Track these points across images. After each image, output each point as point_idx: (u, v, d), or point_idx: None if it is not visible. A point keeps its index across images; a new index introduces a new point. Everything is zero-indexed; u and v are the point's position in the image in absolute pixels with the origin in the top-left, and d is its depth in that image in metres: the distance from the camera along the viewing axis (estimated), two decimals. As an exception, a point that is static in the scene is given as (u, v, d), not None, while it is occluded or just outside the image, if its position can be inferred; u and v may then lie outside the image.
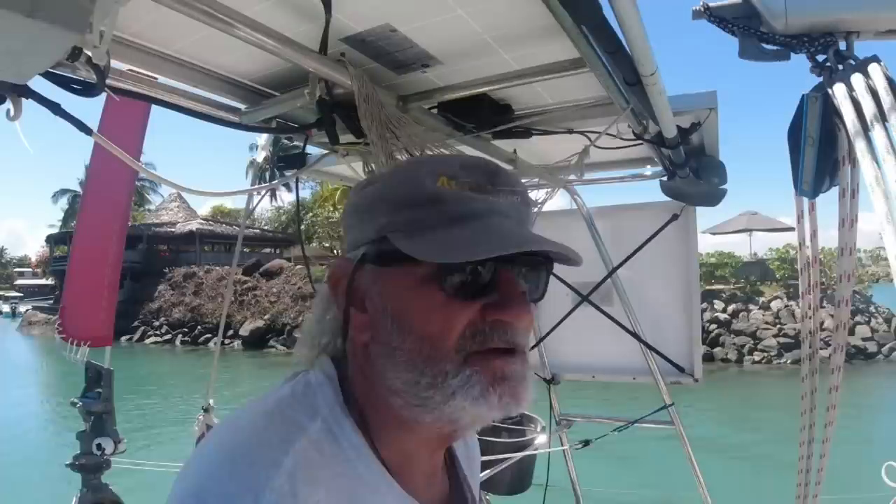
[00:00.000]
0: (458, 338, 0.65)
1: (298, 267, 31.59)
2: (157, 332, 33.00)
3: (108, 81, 1.25)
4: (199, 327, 31.81)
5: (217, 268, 35.19)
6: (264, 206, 52.74)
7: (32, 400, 18.98)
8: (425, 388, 0.65)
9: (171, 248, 40.33)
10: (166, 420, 15.05)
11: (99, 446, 3.00)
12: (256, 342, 28.68)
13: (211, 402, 2.65)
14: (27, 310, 46.05)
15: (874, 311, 23.52)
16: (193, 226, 41.82)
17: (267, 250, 41.87)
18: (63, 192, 55.98)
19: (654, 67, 1.30)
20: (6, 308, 57.62)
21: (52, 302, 41.95)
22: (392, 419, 0.70)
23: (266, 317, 29.93)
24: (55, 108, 1.22)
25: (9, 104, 1.18)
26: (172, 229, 41.29)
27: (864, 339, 21.71)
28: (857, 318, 22.18)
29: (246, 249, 39.67)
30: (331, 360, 0.75)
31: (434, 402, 0.65)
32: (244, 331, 29.36)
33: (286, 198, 49.72)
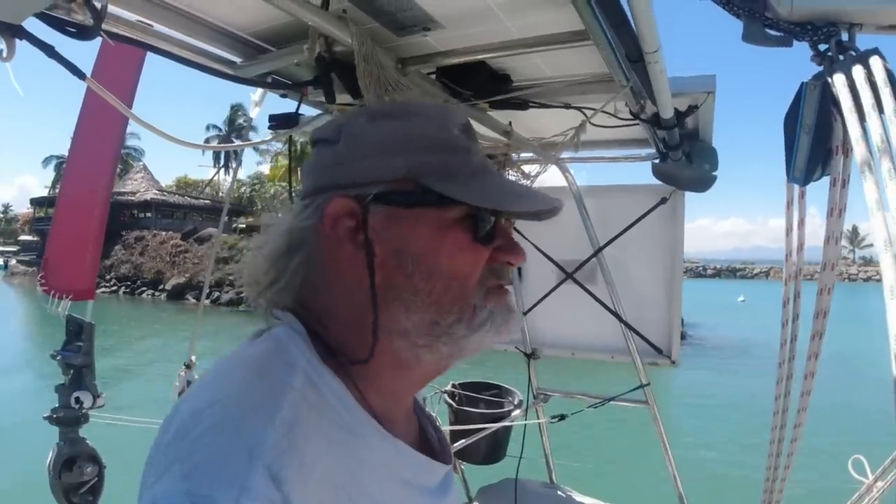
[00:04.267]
0: (480, 276, 0.70)
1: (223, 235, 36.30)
2: (107, 285, 39.57)
3: (103, 26, 1.23)
4: (138, 281, 39.58)
5: (162, 233, 41.90)
6: (224, 178, 59.24)
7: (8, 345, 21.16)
8: (448, 326, 0.67)
9: (131, 214, 46.16)
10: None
11: (77, 400, 2.99)
12: (177, 295, 36.37)
13: (193, 358, 2.64)
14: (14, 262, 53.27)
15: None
16: (148, 195, 48.04)
17: (226, 219, 45.95)
18: (52, 157, 59.64)
19: (658, 45, 1.29)
20: (0, 261, 63.42)
21: (34, 256, 48.33)
22: (388, 362, 0.69)
23: (187, 275, 37.07)
24: (49, 50, 1.19)
25: (2, 45, 1.16)
26: (133, 198, 46.80)
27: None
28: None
29: (201, 218, 46.70)
30: (294, 315, 0.70)
31: (453, 337, 0.68)
32: (169, 286, 37.18)
33: (242, 174, 55.90)
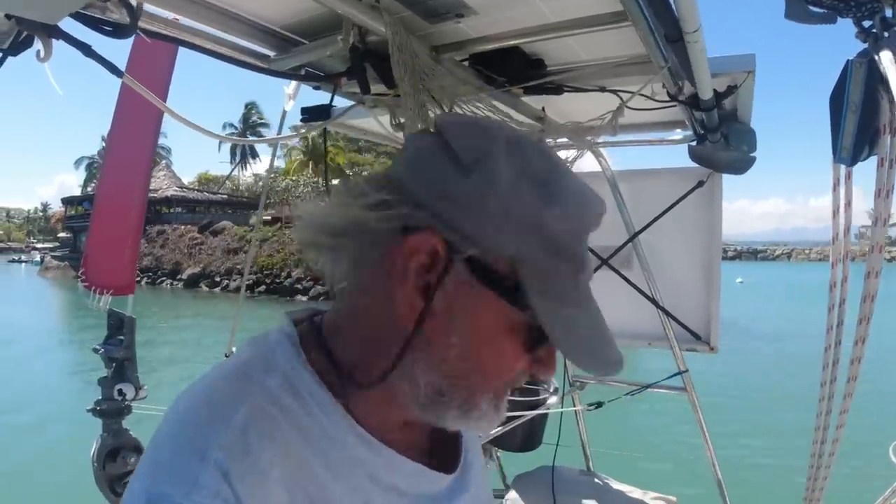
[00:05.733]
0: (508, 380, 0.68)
1: (235, 228, 42.49)
2: (130, 275, 42.74)
3: (138, 23, 1.24)
4: (158, 272, 43.12)
5: (181, 226, 45.39)
6: (241, 174, 65.54)
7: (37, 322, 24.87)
8: (445, 404, 0.65)
9: (154, 210, 49.77)
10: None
11: (120, 392, 3.05)
12: (192, 283, 40.45)
13: (234, 349, 2.67)
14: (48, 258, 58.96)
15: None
16: (169, 192, 52.47)
17: (247, 212, 51.33)
18: (84, 158, 65.87)
19: (699, 23, 1.26)
20: (37, 257, 70.90)
21: (67, 251, 55.14)
22: (383, 395, 0.66)
23: (202, 265, 41.13)
24: (86, 49, 1.21)
25: (39, 45, 1.18)
26: (155, 195, 50.12)
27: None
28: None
29: (220, 212, 51.40)
30: (291, 320, 0.71)
31: (441, 410, 0.65)
32: (185, 275, 41.11)
33: (258, 168, 62.99)
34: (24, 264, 74.82)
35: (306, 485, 0.60)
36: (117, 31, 1.21)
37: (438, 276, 0.61)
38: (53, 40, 1.17)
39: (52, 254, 60.62)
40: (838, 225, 1.60)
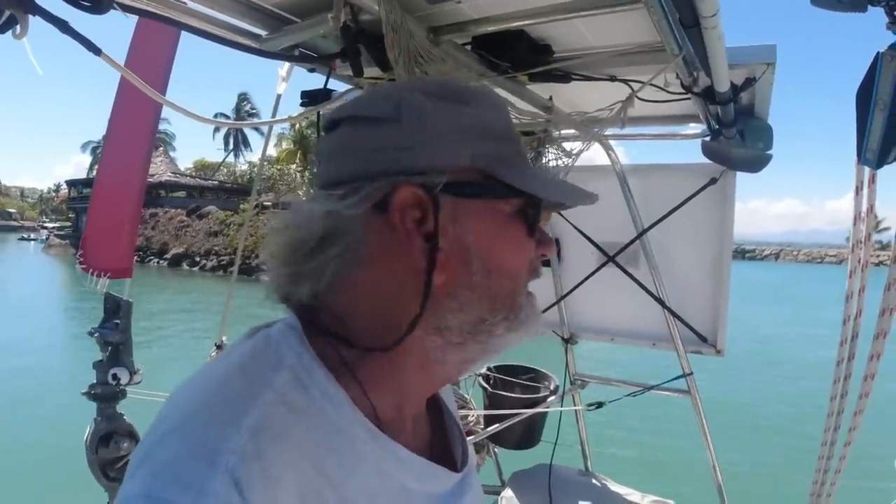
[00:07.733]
0: (525, 272, 0.69)
1: (218, 212, 44.84)
2: (120, 254, 46.84)
3: (121, -1, 1.17)
4: (148, 251, 45.23)
5: (172, 210, 47.76)
6: (234, 162, 68.78)
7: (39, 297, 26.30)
8: (493, 325, 0.65)
9: (149, 193, 51.93)
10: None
11: (115, 376, 3.01)
12: (175, 262, 43.31)
13: (224, 339, 2.61)
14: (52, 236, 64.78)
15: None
16: (164, 177, 53.97)
17: (237, 199, 53.20)
18: (91, 142, 68.76)
19: (717, 7, 1.16)
20: (43, 235, 75.60)
21: (70, 230, 59.11)
22: (412, 359, 0.66)
23: (185, 246, 43.67)
24: (62, 25, 1.14)
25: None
26: (151, 179, 52.40)
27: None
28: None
29: (212, 197, 53.59)
30: (294, 312, 0.67)
31: (491, 335, 0.65)
32: (170, 255, 43.92)
33: (252, 157, 66.70)
34: (32, 242, 78.64)
35: (319, 487, 0.57)
36: (95, 5, 1.14)
37: (434, 218, 0.62)
38: (31, 17, 1.11)
39: (56, 232, 64.74)
40: (859, 232, 1.50)
